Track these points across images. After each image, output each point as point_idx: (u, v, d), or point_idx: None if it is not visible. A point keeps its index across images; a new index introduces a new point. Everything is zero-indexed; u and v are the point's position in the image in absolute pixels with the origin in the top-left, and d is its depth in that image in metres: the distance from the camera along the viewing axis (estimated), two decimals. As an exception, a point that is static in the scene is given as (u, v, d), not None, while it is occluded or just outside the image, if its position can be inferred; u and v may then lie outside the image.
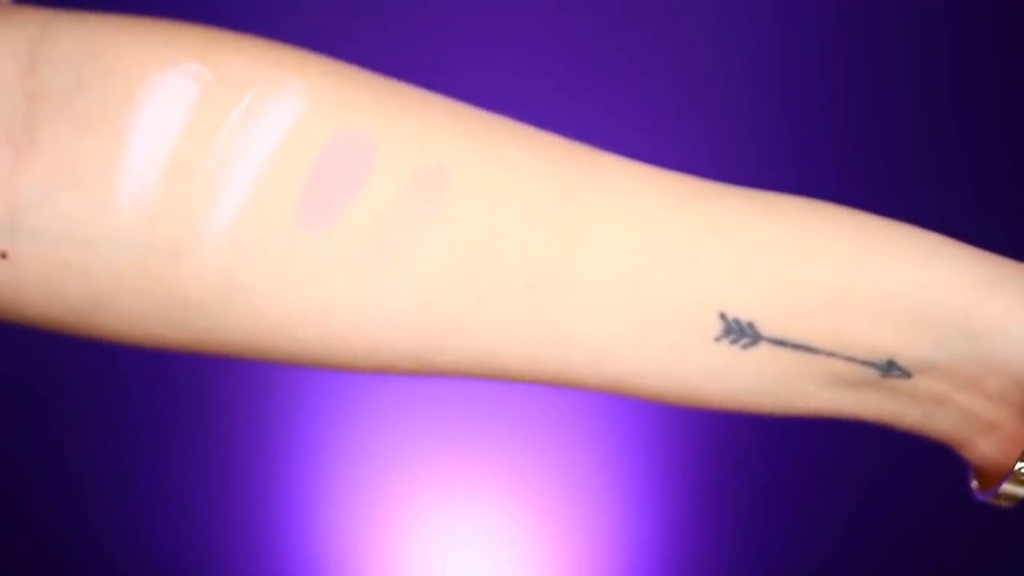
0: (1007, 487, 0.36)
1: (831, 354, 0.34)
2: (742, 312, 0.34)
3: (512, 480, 1.23)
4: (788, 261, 0.34)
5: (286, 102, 0.33)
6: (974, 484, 0.38)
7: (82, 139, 0.32)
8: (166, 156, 0.33)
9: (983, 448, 0.37)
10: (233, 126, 0.33)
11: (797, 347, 0.34)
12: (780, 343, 0.34)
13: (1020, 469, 0.35)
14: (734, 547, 1.25)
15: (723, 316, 0.34)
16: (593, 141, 0.37)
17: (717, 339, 0.34)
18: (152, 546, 1.23)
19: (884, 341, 0.34)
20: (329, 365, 0.35)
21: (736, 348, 0.34)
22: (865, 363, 0.35)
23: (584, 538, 1.23)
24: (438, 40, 1.16)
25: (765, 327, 0.34)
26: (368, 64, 0.36)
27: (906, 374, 0.35)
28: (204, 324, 0.34)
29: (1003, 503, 0.36)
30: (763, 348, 0.34)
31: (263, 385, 1.21)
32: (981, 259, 0.35)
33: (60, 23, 0.34)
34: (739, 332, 0.34)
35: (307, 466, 1.23)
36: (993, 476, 0.37)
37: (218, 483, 1.23)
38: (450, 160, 0.34)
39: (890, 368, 0.35)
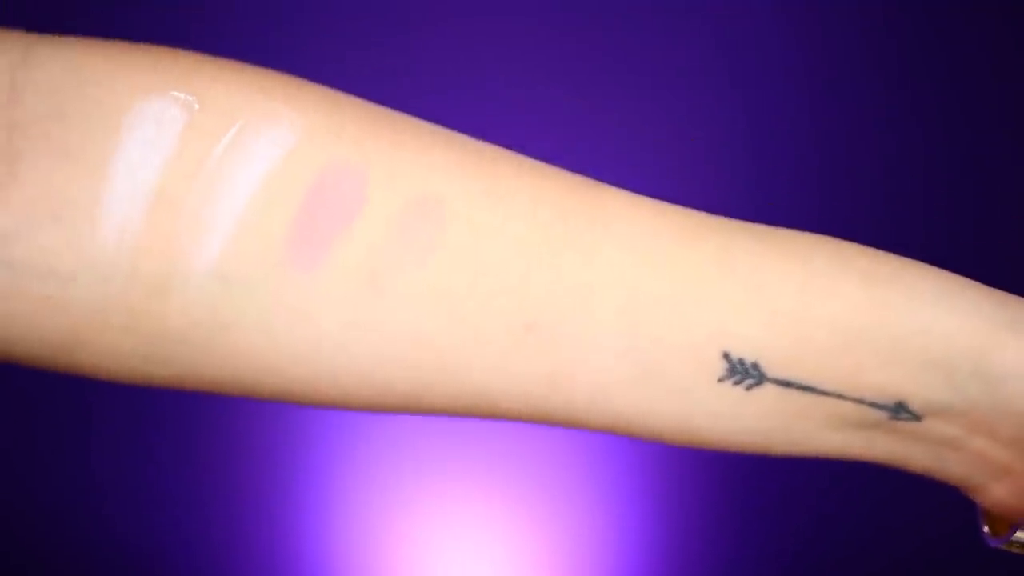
0: (1021, 534, 0.35)
1: (839, 396, 0.33)
2: (747, 352, 0.33)
3: (511, 487, 1.22)
4: (795, 301, 0.33)
5: (275, 132, 0.32)
6: (985, 529, 0.37)
7: (63, 170, 0.31)
8: (150, 188, 0.31)
9: (996, 493, 0.36)
10: (220, 157, 0.32)
11: (803, 388, 0.33)
12: (786, 384, 0.33)
13: None
14: (724, 553, 1.24)
15: (727, 356, 0.33)
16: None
17: (721, 379, 0.33)
18: (163, 550, 1.22)
19: (894, 383, 0.33)
20: (318, 402, 0.34)
21: (740, 389, 0.33)
22: (874, 405, 0.33)
23: (586, 547, 1.23)
24: (439, 44, 1.15)
25: (770, 368, 0.33)
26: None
27: (916, 417, 0.34)
28: (188, 361, 0.32)
29: (1016, 550, 0.35)
30: (768, 389, 0.33)
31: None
32: (996, 301, 0.34)
33: (44, 48, 0.32)
34: (743, 373, 0.33)
35: (317, 473, 1.22)
36: (1006, 521, 0.36)
37: (230, 489, 1.22)
38: (446, 192, 0.33)
39: (900, 411, 0.34)
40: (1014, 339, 0.33)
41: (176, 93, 0.32)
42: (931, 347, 0.33)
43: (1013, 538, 0.35)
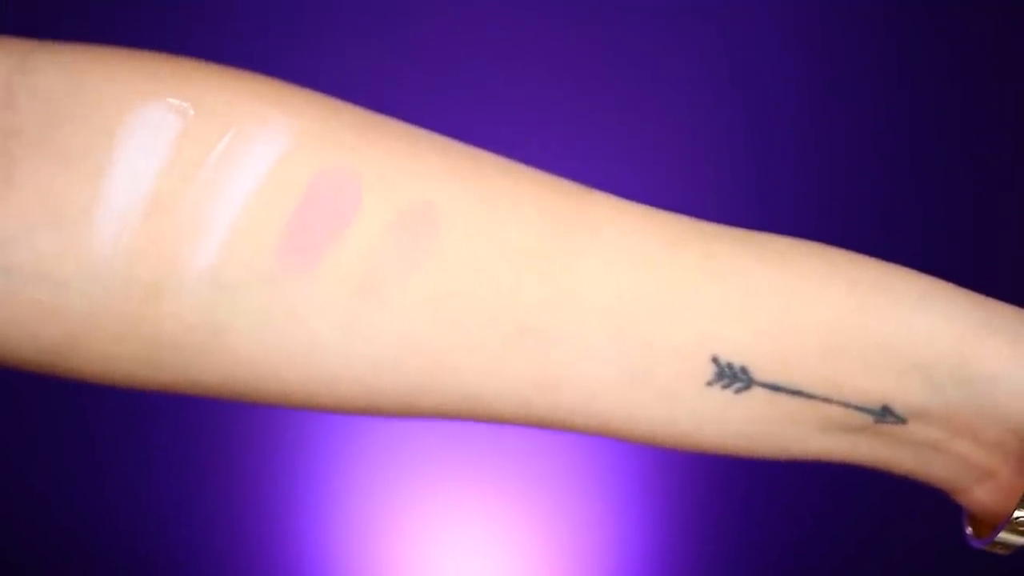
0: (1004, 536, 0.35)
1: (825, 399, 0.34)
2: (735, 356, 0.33)
3: (512, 488, 1.22)
4: (783, 306, 0.33)
5: (270, 138, 0.33)
6: (969, 530, 0.37)
7: (60, 175, 0.31)
8: (146, 193, 0.32)
9: (979, 495, 0.36)
10: (215, 163, 0.32)
11: (791, 392, 0.34)
12: (773, 388, 0.33)
13: (1018, 518, 0.34)
14: (724, 553, 1.24)
15: (716, 360, 0.33)
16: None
17: (709, 383, 0.33)
18: (162, 550, 1.22)
19: (879, 386, 0.34)
20: (311, 406, 0.34)
21: (728, 393, 0.33)
22: (860, 408, 0.34)
23: (587, 550, 1.23)
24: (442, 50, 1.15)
25: (758, 372, 0.33)
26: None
27: (901, 420, 0.34)
28: (182, 366, 0.33)
29: (999, 551, 0.35)
30: (756, 393, 0.34)
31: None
32: (977, 304, 0.34)
33: (41, 54, 0.33)
34: (732, 377, 0.33)
35: (318, 472, 1.22)
36: (989, 523, 0.36)
37: (229, 489, 1.23)
38: (439, 198, 0.33)
39: (885, 414, 0.34)
40: (991, 342, 0.33)
41: (171, 100, 0.32)
42: (914, 351, 0.33)
43: (996, 539, 0.35)
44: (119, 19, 1.05)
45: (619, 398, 0.34)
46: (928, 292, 0.34)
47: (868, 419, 0.34)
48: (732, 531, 1.24)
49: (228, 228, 0.32)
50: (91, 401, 1.17)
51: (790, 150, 1.20)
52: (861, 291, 0.33)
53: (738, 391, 0.33)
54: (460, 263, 0.33)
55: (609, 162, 1.17)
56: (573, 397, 0.34)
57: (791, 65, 1.20)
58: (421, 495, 1.22)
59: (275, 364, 0.33)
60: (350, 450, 1.21)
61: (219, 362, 0.33)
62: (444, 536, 1.22)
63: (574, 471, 1.22)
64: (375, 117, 0.34)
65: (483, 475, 1.22)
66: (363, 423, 1.20)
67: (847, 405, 0.34)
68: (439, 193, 0.33)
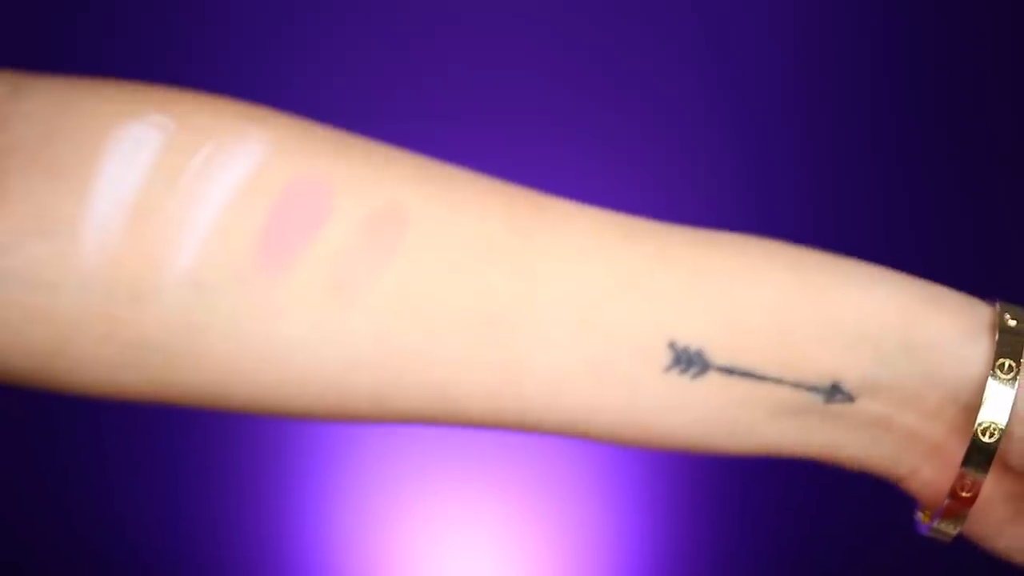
0: (940, 524, 0.37)
1: (778, 380, 0.36)
2: (691, 339, 0.35)
3: (512, 492, 1.23)
4: (732, 286, 0.36)
5: (248, 149, 0.35)
6: (919, 516, 0.38)
7: (50, 187, 0.34)
8: (129, 201, 0.34)
9: (925, 474, 0.37)
10: (195, 171, 0.35)
11: (745, 374, 0.36)
12: (728, 371, 0.35)
13: (954, 496, 0.36)
14: (724, 555, 1.25)
15: (672, 345, 0.35)
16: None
17: (667, 369, 0.35)
18: (158, 548, 1.23)
19: (828, 362, 0.36)
20: (285, 411, 0.36)
21: (686, 378, 0.36)
22: (810, 388, 0.36)
23: (587, 556, 1.23)
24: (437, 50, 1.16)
25: (713, 355, 0.35)
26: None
27: (849, 398, 0.36)
28: (162, 367, 0.35)
29: (940, 537, 0.37)
30: (712, 377, 0.36)
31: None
32: (921, 284, 0.36)
33: (31, 82, 0.36)
34: (688, 361, 0.35)
35: (316, 468, 1.23)
36: (936, 506, 0.37)
37: (229, 485, 1.23)
38: (407, 201, 0.36)
39: (834, 392, 0.36)
40: (932, 313, 0.36)
41: (155, 117, 0.35)
42: (860, 324, 0.36)
43: (934, 526, 0.36)
44: (117, 18, 1.07)
45: (584, 388, 0.36)
46: (871, 273, 0.37)
47: (818, 399, 0.36)
48: (731, 534, 1.24)
49: (206, 232, 0.34)
50: (92, 403, 1.17)
51: (790, 150, 1.21)
52: (806, 272, 0.36)
53: (694, 376, 0.36)
54: (429, 261, 0.35)
55: (609, 162, 1.18)
56: (540, 389, 0.36)
57: (791, 65, 1.21)
58: (420, 497, 1.22)
59: (250, 364, 0.35)
60: (350, 451, 1.22)
61: (197, 364, 0.35)
62: (443, 539, 1.23)
63: (573, 474, 1.23)
64: (348, 135, 0.37)
65: (482, 478, 1.22)
66: (363, 426, 1.19)
67: (798, 385, 0.36)
68: (408, 196, 0.36)
